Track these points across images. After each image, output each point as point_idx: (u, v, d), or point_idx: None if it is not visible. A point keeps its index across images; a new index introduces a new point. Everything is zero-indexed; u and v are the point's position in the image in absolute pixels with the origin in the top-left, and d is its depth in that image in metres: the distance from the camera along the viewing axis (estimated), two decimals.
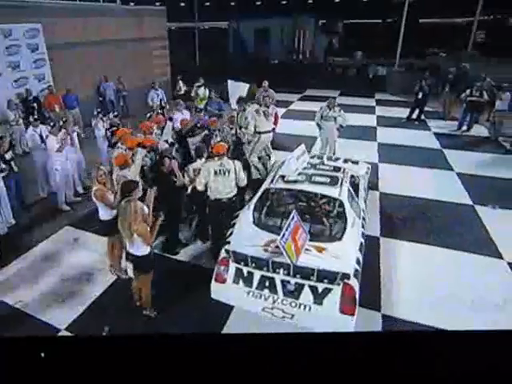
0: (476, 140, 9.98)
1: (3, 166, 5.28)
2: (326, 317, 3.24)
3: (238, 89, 8.02)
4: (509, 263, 4.84)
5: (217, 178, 4.44)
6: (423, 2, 19.41)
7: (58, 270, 4.68)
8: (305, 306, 3.30)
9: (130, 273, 3.61)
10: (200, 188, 4.47)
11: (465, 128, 10.58)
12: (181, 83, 11.61)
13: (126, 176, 4.16)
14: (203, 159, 4.77)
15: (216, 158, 4.51)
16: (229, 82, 8.28)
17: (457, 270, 4.72)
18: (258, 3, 23.77)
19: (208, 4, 20.88)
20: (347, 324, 3.17)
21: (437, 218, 5.91)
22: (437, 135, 10.30)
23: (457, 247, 5.16)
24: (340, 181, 4.50)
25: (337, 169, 4.95)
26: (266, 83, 8.53)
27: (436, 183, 7.21)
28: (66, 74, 9.83)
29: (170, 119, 6.98)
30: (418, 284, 4.42)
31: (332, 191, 4.30)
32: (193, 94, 10.00)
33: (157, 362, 1.22)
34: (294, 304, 3.33)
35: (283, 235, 3.29)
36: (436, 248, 5.15)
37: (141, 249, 3.45)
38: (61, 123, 6.06)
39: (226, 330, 3.71)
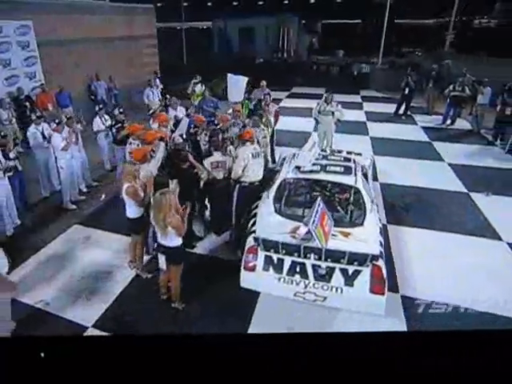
0: (460, 133, 10.41)
1: (10, 164, 5.10)
2: (357, 297, 3.35)
3: (237, 83, 8.03)
4: (508, 244, 5.12)
5: (254, 161, 4.61)
6: (400, 4, 20.01)
7: (74, 269, 4.57)
8: (336, 289, 3.39)
9: (163, 265, 3.57)
10: (240, 172, 4.58)
11: (449, 122, 11.02)
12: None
13: (149, 170, 4.12)
14: (219, 152, 4.78)
15: (248, 143, 4.66)
16: (228, 75, 8.27)
17: (462, 251, 4.94)
18: (242, 3, 23.78)
19: (193, 4, 20.71)
20: (379, 303, 3.29)
21: (436, 206, 6.16)
22: (424, 129, 10.68)
23: (459, 231, 5.40)
24: (353, 170, 4.63)
25: (347, 159, 5.08)
26: (264, 83, 8.53)
27: (431, 173, 7.49)
28: (57, 72, 9.55)
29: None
30: (428, 266, 4.60)
31: (348, 179, 4.42)
32: (189, 91, 9.91)
33: (157, 362, 1.23)
34: (325, 287, 3.42)
35: (313, 221, 3.37)
36: (440, 233, 5.37)
37: (174, 240, 3.44)
38: (64, 120, 5.90)
39: (254, 319, 3.74)
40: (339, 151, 6.23)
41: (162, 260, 3.54)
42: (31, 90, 8.99)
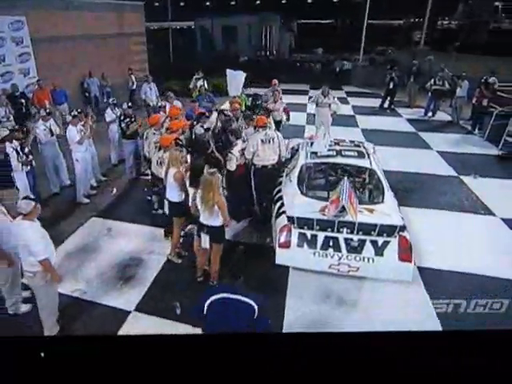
0: (442, 124, 11.03)
1: (30, 157, 5.03)
2: (387, 266, 3.62)
3: (236, 77, 8.21)
4: (502, 219, 5.58)
5: (264, 147, 4.82)
6: (377, 5, 20.70)
7: (103, 258, 4.58)
8: (368, 259, 3.65)
9: (206, 244, 3.68)
10: (249, 157, 4.79)
11: (430, 114, 11.62)
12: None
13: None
14: (240, 140, 4.94)
15: (261, 130, 4.86)
16: (227, 71, 8.42)
17: (462, 226, 5.37)
18: (225, 1, 23.79)
19: (180, 3, 20.55)
20: (407, 269, 3.58)
21: (433, 188, 6.58)
22: (409, 121, 11.23)
23: (457, 209, 5.84)
24: (366, 153, 4.91)
25: (357, 145, 5.37)
26: (275, 81, 8.52)
27: (423, 160, 7.95)
28: (50, 68, 9.33)
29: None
30: (434, 241, 4.93)
31: (363, 162, 4.71)
32: (191, 86, 9.92)
33: (157, 362, 1.23)
34: (358, 258, 3.66)
35: (344, 198, 3.61)
36: (442, 211, 5.77)
37: (216, 220, 3.58)
38: (75, 113, 5.85)
39: (289, 292, 3.94)
40: (343, 140, 6.52)
41: (205, 240, 3.65)
42: (25, 86, 8.74)
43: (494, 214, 5.72)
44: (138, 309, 3.78)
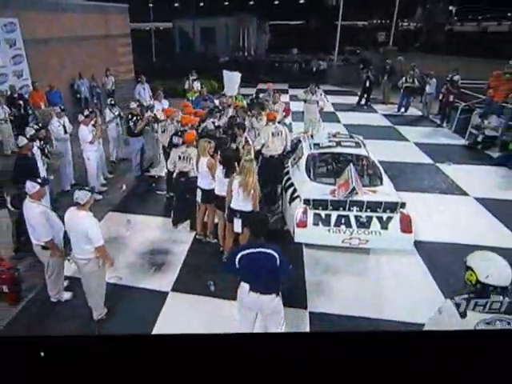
0: (414, 118, 11.93)
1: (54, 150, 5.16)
2: (391, 237, 4.17)
3: (232, 78, 8.55)
4: (474, 198, 6.34)
5: (273, 139, 5.30)
6: (348, 8, 21.62)
7: (130, 248, 4.81)
8: (375, 232, 4.18)
9: (238, 228, 4.06)
10: (258, 147, 5.33)
11: (403, 110, 12.51)
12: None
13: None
14: (246, 133, 5.37)
15: (271, 123, 5.34)
16: (224, 72, 8.74)
17: (442, 205, 6.07)
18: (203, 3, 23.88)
19: (157, 5, 20.39)
20: (409, 240, 4.15)
21: (414, 175, 7.30)
22: (385, 116, 12.05)
23: (437, 191, 6.58)
24: (362, 144, 5.47)
25: (352, 137, 5.92)
26: (270, 85, 8.91)
27: (402, 150, 8.70)
28: (42, 70, 9.26)
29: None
30: (422, 218, 5.55)
31: (361, 151, 5.27)
32: (186, 87, 10.10)
33: (157, 362, 1.23)
34: (366, 232, 4.19)
35: (353, 181, 4.12)
36: (423, 193, 6.47)
37: (248, 205, 3.98)
38: (86, 113, 6.00)
39: (306, 265, 4.41)
40: (338, 133, 7.04)
41: (238, 224, 4.03)
42: (20, 88, 8.66)
43: (467, 194, 6.48)
44: (174, 289, 4.12)
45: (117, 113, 7.33)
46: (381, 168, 5.03)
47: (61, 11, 10.02)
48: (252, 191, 3.86)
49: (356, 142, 5.55)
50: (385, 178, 4.87)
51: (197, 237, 4.97)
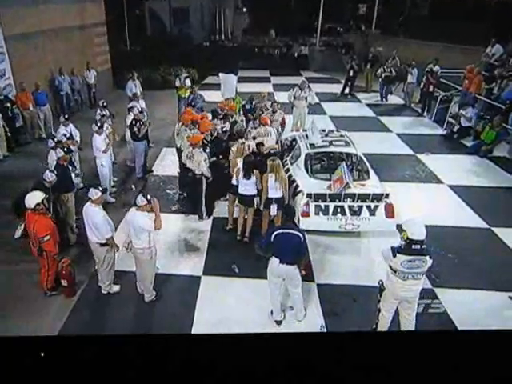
0: (397, 107, 13.79)
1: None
2: (378, 222, 5.81)
3: (228, 80, 9.82)
4: (448, 185, 8.16)
5: (262, 139, 6.95)
6: None
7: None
8: (365, 218, 5.81)
9: (274, 211, 5.71)
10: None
11: (385, 99, 14.32)
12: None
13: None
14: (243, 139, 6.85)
15: (261, 126, 7.09)
16: (220, 74, 9.98)
17: (420, 192, 7.84)
18: None
19: None
20: (392, 223, 5.80)
21: (396, 166, 9.04)
22: (368, 105, 13.83)
23: (416, 180, 8.37)
24: (351, 142, 7.09)
25: (341, 136, 7.53)
26: (264, 94, 9.83)
27: (385, 142, 10.44)
28: (23, 68, 10.14)
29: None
30: (404, 204, 7.20)
31: (350, 149, 6.89)
32: (177, 84, 11.20)
33: (156, 362, 1.41)
34: (358, 219, 5.81)
35: (346, 177, 5.71)
36: (404, 183, 8.22)
37: (280, 193, 5.64)
38: (100, 124, 7.16)
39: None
40: (323, 130, 8.61)
41: (274, 208, 5.68)
42: (3, 89, 9.52)
43: (442, 182, 8.30)
44: (205, 273, 5.58)
45: (108, 114, 8.40)
46: (367, 164, 6.65)
47: (38, 3, 10.74)
48: (285, 182, 5.54)
49: (346, 141, 7.15)
50: (371, 172, 6.51)
51: (227, 228, 6.50)
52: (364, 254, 5.97)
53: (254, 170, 5.80)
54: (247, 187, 5.84)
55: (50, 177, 5.34)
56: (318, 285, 5.38)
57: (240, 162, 5.89)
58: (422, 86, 13.06)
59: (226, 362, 1.52)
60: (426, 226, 6.52)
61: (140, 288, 5.07)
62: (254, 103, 9.31)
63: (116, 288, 5.21)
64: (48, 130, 10.39)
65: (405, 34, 19.55)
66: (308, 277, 5.26)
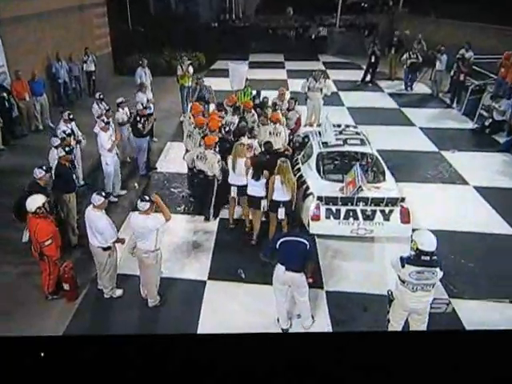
0: (422, 97, 13.93)
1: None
2: (393, 227, 6.11)
3: (239, 70, 10.12)
4: (474, 187, 8.36)
5: (271, 138, 7.26)
6: None
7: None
8: (379, 223, 6.10)
9: (282, 215, 6.09)
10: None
11: (409, 88, 14.43)
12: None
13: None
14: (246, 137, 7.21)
15: (271, 123, 7.33)
16: (229, 64, 10.29)
17: (443, 195, 8.07)
18: None
19: None
20: (407, 229, 6.07)
21: (417, 164, 9.27)
22: (391, 95, 14.02)
23: (439, 181, 8.59)
24: (366, 141, 7.36)
25: (357, 133, 7.81)
26: (283, 91, 9.78)
27: (406, 137, 10.68)
28: (20, 54, 10.55)
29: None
30: (424, 208, 7.48)
31: (366, 149, 7.16)
32: (180, 73, 11.52)
33: (158, 362, 1.50)
34: (371, 223, 6.10)
35: (359, 180, 6.01)
36: (426, 184, 8.46)
37: (289, 196, 5.99)
38: (107, 120, 7.55)
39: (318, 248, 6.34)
40: (339, 125, 8.88)
41: (281, 212, 6.06)
42: None
43: (467, 183, 8.50)
44: (211, 277, 5.96)
45: (103, 108, 8.76)
46: (383, 164, 6.92)
47: None
48: (293, 185, 5.88)
49: (361, 139, 7.42)
50: (387, 173, 6.78)
51: (230, 226, 6.96)
52: (376, 260, 6.27)
53: (264, 171, 6.17)
54: (255, 188, 6.23)
55: (38, 173, 5.72)
56: (326, 292, 5.72)
57: (242, 162, 6.32)
58: (452, 73, 13.13)
59: (226, 362, 1.68)
60: (447, 232, 6.96)
61: (144, 292, 5.48)
62: (262, 97, 9.51)
63: (119, 292, 5.62)
64: (45, 121, 10.93)
65: (436, 13, 19.53)
66: (316, 283, 5.60)
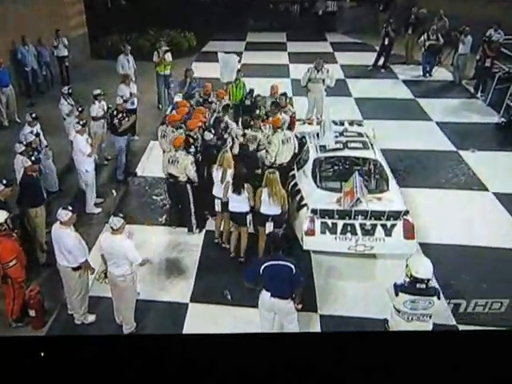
0: (442, 85, 14.16)
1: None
2: (395, 244, 6.39)
3: (229, 61, 10.33)
4: (493, 193, 8.61)
5: (284, 147, 7.37)
6: None
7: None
8: (379, 239, 6.40)
9: (270, 229, 6.24)
10: (272, 160, 7.31)
11: (428, 74, 14.61)
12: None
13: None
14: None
15: (279, 130, 7.39)
16: (219, 54, 10.52)
17: (457, 203, 8.29)
18: None
19: None
20: (411, 245, 6.37)
21: (431, 166, 9.52)
22: (405, 83, 14.27)
23: (454, 187, 8.84)
24: (370, 144, 7.64)
25: (360, 134, 8.09)
26: (276, 86, 9.83)
27: (421, 134, 10.90)
28: None
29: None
30: (435, 218, 7.74)
31: (368, 153, 7.44)
32: (156, 59, 11.77)
33: (156, 362, 1.66)
34: (371, 239, 6.40)
35: (358, 191, 6.29)
36: (437, 190, 8.70)
37: (279, 209, 6.28)
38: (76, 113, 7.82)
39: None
40: (341, 123, 9.14)
41: (270, 226, 6.28)
42: None
43: (486, 189, 8.74)
44: (193, 299, 6.25)
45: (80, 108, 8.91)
46: (388, 171, 7.19)
47: None
48: (281, 198, 6.14)
49: (364, 141, 7.69)
50: (391, 182, 7.05)
51: (215, 241, 7.24)
52: (377, 280, 6.54)
53: (246, 184, 6.40)
54: (238, 204, 6.47)
55: None
56: (321, 316, 6.02)
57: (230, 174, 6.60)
58: (477, 58, 13.26)
59: (226, 362, 1.87)
60: (460, 247, 7.19)
61: (119, 318, 5.79)
62: (255, 96, 9.61)
63: (91, 318, 5.88)
64: (11, 115, 11.15)
65: None
66: (308, 306, 5.88)
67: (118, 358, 1.84)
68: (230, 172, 6.60)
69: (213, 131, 7.53)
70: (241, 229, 6.72)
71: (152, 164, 9.59)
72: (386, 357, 2.02)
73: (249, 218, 6.60)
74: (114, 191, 8.45)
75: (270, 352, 2.05)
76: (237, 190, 6.40)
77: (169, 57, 11.80)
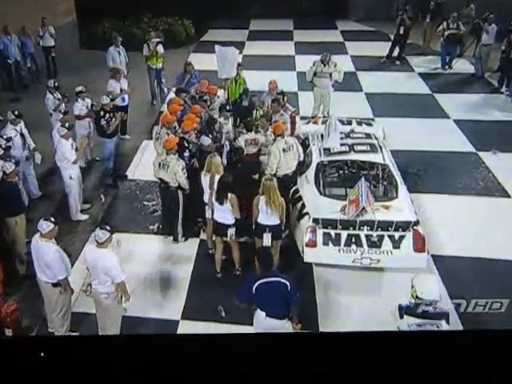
0: (463, 78, 14.04)
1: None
2: (404, 257, 6.36)
3: (227, 55, 10.29)
4: None
5: (285, 155, 7.26)
6: None
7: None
8: (387, 252, 6.37)
9: (268, 242, 6.25)
10: (273, 172, 7.17)
11: (447, 66, 14.50)
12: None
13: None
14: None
15: (279, 138, 7.29)
16: (216, 47, 10.49)
17: (474, 211, 8.19)
18: None
19: None
20: (422, 259, 6.33)
21: (448, 169, 9.42)
22: (422, 76, 14.17)
23: (472, 193, 8.74)
24: (378, 147, 7.60)
25: (368, 136, 8.05)
26: (273, 82, 9.67)
27: (438, 134, 10.79)
28: None
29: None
30: (450, 227, 7.67)
31: (376, 157, 7.40)
32: (147, 53, 11.83)
33: (155, 362, 1.74)
34: (378, 252, 6.37)
35: (363, 200, 6.27)
36: (455, 196, 8.62)
37: (278, 219, 6.25)
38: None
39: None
40: (348, 122, 9.10)
41: (267, 237, 6.27)
42: None
43: (509, 196, 8.64)
44: (185, 316, 6.25)
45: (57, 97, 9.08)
46: (397, 177, 7.14)
47: None
48: (280, 207, 6.11)
49: (372, 143, 7.65)
50: (401, 188, 7.00)
51: (209, 251, 7.23)
52: (384, 294, 6.50)
53: (230, 194, 6.30)
54: (221, 214, 6.46)
55: None
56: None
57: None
58: (502, 48, 13.02)
59: (224, 363, 1.95)
60: (477, 260, 7.08)
61: None
62: (249, 97, 9.67)
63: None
64: None
65: None
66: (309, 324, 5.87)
67: (118, 358, 1.90)
68: (219, 178, 6.57)
69: (210, 136, 7.51)
70: (231, 241, 6.68)
71: (144, 166, 9.45)
72: (386, 357, 2.08)
73: (230, 231, 6.50)
74: (102, 196, 8.53)
75: (270, 352, 2.12)
76: (219, 199, 6.35)
77: (161, 49, 11.82)
